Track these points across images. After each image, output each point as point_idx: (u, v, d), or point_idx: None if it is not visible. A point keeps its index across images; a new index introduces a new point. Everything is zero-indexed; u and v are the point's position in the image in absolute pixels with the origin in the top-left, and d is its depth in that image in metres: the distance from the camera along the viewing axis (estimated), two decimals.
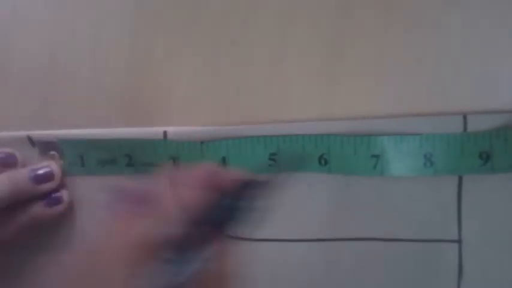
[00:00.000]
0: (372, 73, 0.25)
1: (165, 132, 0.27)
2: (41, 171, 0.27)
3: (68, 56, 0.29)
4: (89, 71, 0.28)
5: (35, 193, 0.27)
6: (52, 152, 0.28)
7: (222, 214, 0.21)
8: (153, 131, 0.27)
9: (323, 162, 0.25)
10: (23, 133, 0.28)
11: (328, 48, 0.26)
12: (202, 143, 0.26)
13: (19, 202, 0.27)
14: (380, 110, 0.25)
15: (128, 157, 0.27)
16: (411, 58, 0.25)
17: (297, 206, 0.27)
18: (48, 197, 0.27)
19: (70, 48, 0.29)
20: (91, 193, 0.28)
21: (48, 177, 0.27)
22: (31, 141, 0.28)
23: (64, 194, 0.28)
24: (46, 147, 0.28)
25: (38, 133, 0.28)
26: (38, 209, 0.27)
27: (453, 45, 0.25)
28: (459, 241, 0.25)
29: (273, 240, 0.27)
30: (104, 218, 0.21)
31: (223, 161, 0.26)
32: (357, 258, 0.26)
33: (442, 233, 0.25)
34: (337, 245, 0.26)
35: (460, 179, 0.24)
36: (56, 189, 0.28)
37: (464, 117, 0.24)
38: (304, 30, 0.26)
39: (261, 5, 0.26)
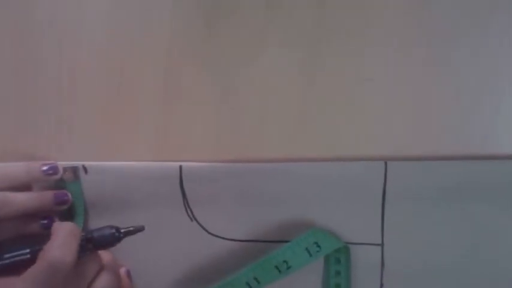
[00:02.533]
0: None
1: (180, 167, 0.37)
2: (65, 197, 0.36)
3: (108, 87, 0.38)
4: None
5: (50, 210, 0.36)
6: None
7: None
8: (169, 165, 0.37)
9: None
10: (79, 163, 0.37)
11: None
12: None
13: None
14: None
15: None
16: (340, 104, 0.36)
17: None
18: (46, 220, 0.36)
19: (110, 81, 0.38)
20: None
21: (66, 202, 0.37)
22: (85, 169, 0.37)
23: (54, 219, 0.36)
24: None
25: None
26: (36, 227, 0.35)
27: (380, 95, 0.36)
28: (382, 244, 0.37)
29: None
30: None
31: None
32: None
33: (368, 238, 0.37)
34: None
35: (383, 201, 0.36)
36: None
37: (385, 164, 0.36)
38: None
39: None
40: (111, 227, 0.33)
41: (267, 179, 0.36)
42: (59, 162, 0.36)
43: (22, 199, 0.34)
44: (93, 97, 0.38)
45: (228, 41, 0.36)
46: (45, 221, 0.36)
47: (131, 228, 0.33)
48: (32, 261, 0.29)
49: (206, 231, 0.38)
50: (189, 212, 0.38)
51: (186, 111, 0.37)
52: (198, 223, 0.38)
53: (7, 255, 0.31)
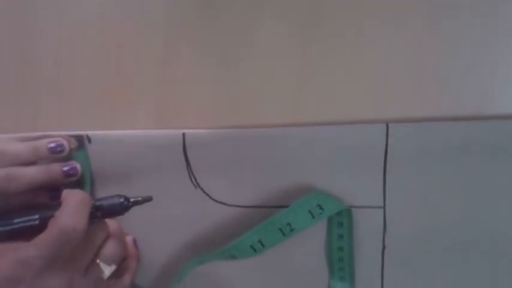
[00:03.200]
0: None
1: (183, 134, 0.37)
2: (71, 170, 0.36)
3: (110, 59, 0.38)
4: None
5: (61, 183, 0.37)
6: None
7: None
8: (172, 133, 0.37)
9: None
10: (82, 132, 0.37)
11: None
12: None
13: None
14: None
15: None
16: (339, 68, 0.36)
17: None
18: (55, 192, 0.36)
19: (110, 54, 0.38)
20: None
21: (75, 173, 0.37)
22: (88, 139, 0.37)
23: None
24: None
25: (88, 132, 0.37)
26: (44, 198, 0.36)
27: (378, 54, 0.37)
28: (384, 207, 0.37)
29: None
30: None
31: None
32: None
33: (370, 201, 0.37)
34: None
35: (385, 163, 0.36)
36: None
37: (387, 125, 0.36)
38: None
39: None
40: (120, 196, 0.34)
41: (270, 144, 0.36)
42: (62, 132, 0.37)
43: (31, 173, 0.35)
44: (93, 67, 0.38)
45: (226, 9, 0.37)
46: (53, 193, 0.36)
47: (139, 198, 0.34)
48: (41, 227, 0.30)
49: (210, 198, 0.38)
50: (192, 179, 0.38)
51: (186, 80, 0.37)
52: (202, 190, 0.38)
53: (16, 220, 0.31)
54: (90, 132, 0.37)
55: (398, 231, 0.37)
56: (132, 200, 0.34)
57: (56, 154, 0.36)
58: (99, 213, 0.33)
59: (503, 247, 0.37)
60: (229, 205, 0.38)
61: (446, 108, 0.35)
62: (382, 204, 0.37)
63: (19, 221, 0.31)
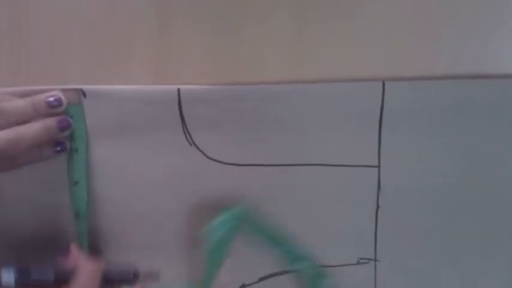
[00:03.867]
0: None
1: (178, 90, 0.37)
2: (65, 122, 0.36)
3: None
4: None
5: (57, 138, 0.36)
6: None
7: None
8: (167, 88, 0.37)
9: None
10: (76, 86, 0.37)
11: None
12: None
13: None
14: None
15: None
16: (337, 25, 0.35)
17: None
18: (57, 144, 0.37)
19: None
20: None
21: (68, 127, 0.37)
22: (83, 93, 0.37)
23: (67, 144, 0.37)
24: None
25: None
26: (49, 153, 0.37)
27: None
28: (378, 166, 0.37)
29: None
30: None
31: None
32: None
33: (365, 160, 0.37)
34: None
35: (381, 122, 0.36)
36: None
37: (383, 83, 0.36)
38: None
39: None
40: (129, 270, 0.36)
41: (265, 102, 0.36)
42: (57, 86, 0.36)
43: (34, 131, 0.35)
44: (88, 21, 0.37)
45: None
46: (58, 148, 0.37)
47: (148, 274, 0.37)
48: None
49: (205, 155, 0.38)
50: (188, 136, 0.38)
51: (183, 34, 0.37)
52: (197, 148, 0.38)
53: (33, 277, 0.34)
54: (84, 87, 0.37)
55: (392, 190, 0.37)
56: (141, 276, 0.36)
57: (54, 109, 0.36)
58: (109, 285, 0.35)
59: (497, 208, 0.37)
60: (224, 163, 0.38)
61: (443, 67, 0.35)
62: (377, 164, 0.37)
63: (36, 278, 0.34)
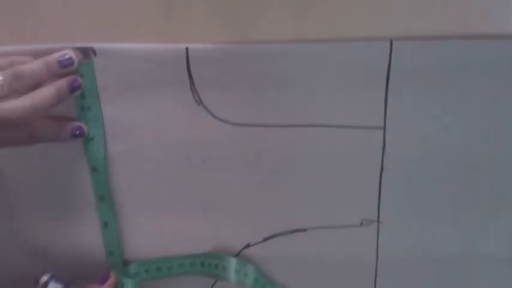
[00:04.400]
0: None
1: (187, 49, 0.37)
2: (75, 82, 0.37)
3: None
4: None
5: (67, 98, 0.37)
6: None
7: None
8: (176, 47, 0.37)
9: None
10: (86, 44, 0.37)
11: None
12: None
13: None
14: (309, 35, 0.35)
15: None
16: None
17: None
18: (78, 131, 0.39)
19: None
20: None
21: (79, 87, 0.37)
22: (93, 52, 0.37)
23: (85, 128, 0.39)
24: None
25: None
26: (67, 134, 0.38)
27: None
28: (384, 128, 0.37)
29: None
30: None
31: None
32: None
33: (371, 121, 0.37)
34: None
35: (387, 82, 0.36)
36: None
37: (391, 43, 0.36)
38: None
39: None
40: None
41: (272, 61, 0.36)
42: (67, 45, 0.37)
43: (46, 98, 0.35)
44: None
45: None
46: (78, 132, 0.38)
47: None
48: None
49: (212, 115, 0.39)
50: (195, 95, 0.38)
51: None
52: (205, 107, 0.39)
53: None
54: (95, 45, 0.37)
55: (397, 152, 0.38)
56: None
57: (66, 68, 0.37)
58: None
59: (502, 170, 0.37)
60: (232, 123, 0.39)
61: (451, 26, 0.35)
62: (383, 125, 0.37)
63: None
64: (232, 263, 0.41)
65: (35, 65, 0.36)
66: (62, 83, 0.37)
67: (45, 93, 0.35)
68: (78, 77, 0.37)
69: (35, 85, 0.36)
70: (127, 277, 0.41)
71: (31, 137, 0.37)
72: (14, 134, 0.36)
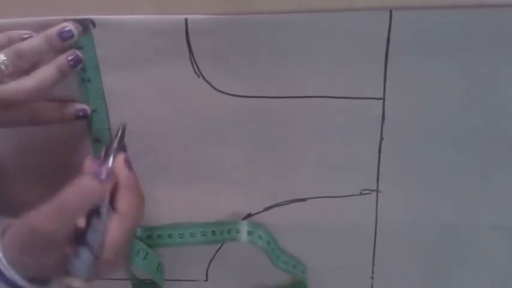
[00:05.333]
0: None
1: (186, 20, 0.37)
2: (76, 57, 0.37)
3: None
4: None
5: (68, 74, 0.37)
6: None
7: None
8: (175, 18, 0.37)
9: None
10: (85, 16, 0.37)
11: None
12: None
13: None
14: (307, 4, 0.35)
15: None
16: None
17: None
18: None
19: None
20: None
21: (80, 61, 0.37)
22: (93, 23, 0.37)
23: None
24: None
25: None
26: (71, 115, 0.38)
27: None
28: (383, 98, 0.38)
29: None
30: None
31: None
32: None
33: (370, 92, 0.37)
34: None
35: (387, 53, 0.36)
36: None
37: (390, 12, 0.35)
38: None
39: None
40: None
41: (271, 32, 0.36)
42: (66, 17, 0.37)
43: (49, 77, 0.35)
44: None
45: None
46: (81, 113, 0.39)
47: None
48: None
49: (212, 87, 0.39)
50: (195, 67, 0.38)
51: None
52: (204, 79, 0.39)
53: None
54: (94, 17, 0.37)
55: (396, 122, 0.38)
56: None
57: (67, 41, 0.36)
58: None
59: (501, 139, 0.38)
60: (231, 95, 0.39)
61: None
62: (382, 96, 0.37)
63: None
64: (246, 225, 0.42)
65: (36, 41, 0.36)
66: (62, 60, 0.37)
67: (47, 71, 0.36)
68: (78, 52, 0.37)
69: (37, 61, 0.36)
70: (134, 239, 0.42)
71: (34, 118, 0.37)
72: (16, 114, 0.36)
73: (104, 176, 0.34)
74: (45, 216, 0.31)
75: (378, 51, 0.36)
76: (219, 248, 0.44)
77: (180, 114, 0.40)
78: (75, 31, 0.37)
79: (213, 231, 0.42)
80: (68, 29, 0.36)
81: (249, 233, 0.41)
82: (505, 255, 0.42)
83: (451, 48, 0.35)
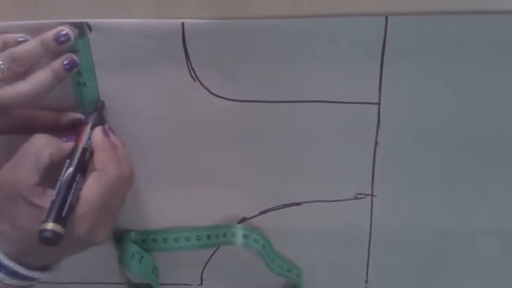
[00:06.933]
0: None
1: (182, 24, 0.37)
2: (72, 61, 0.37)
3: None
4: None
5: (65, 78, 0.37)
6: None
7: None
8: (171, 22, 0.37)
9: None
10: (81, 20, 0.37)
11: None
12: None
13: None
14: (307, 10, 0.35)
15: None
16: None
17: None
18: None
19: None
20: None
21: (76, 65, 0.37)
22: (89, 27, 0.37)
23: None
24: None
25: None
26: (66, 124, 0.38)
27: None
28: (379, 103, 0.38)
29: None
30: None
31: None
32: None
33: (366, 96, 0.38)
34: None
35: (382, 58, 0.36)
36: None
37: (386, 18, 0.36)
38: None
39: None
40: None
41: (268, 36, 0.36)
42: (61, 20, 0.37)
43: (44, 83, 0.35)
44: None
45: None
46: (76, 122, 0.38)
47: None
48: None
49: (209, 91, 0.39)
50: (192, 72, 0.38)
51: None
52: (201, 83, 0.39)
53: None
54: (90, 20, 0.37)
55: (391, 127, 0.38)
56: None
57: (63, 44, 0.36)
58: None
59: (495, 145, 0.38)
60: (228, 99, 0.39)
61: (446, 2, 0.35)
62: (377, 101, 0.38)
63: None
64: (241, 229, 0.42)
65: (32, 45, 0.36)
66: (58, 64, 0.36)
67: (43, 76, 0.35)
68: (73, 55, 0.37)
69: (33, 65, 0.36)
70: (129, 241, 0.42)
71: (28, 127, 0.37)
72: (10, 122, 0.36)
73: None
74: (5, 168, 0.32)
75: (373, 57, 0.36)
76: (214, 252, 0.44)
77: (177, 118, 0.40)
78: (71, 35, 0.36)
79: (208, 235, 0.42)
80: (64, 32, 0.36)
81: (245, 236, 0.42)
82: (500, 260, 0.42)
83: (446, 53, 0.35)
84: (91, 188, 0.33)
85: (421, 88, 0.37)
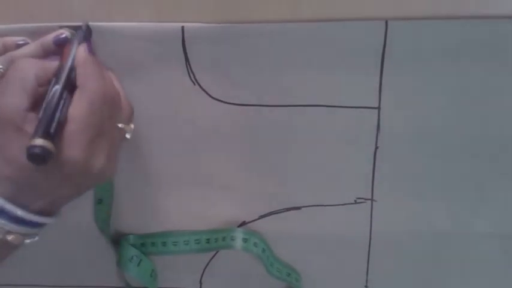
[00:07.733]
0: None
1: (182, 28, 0.37)
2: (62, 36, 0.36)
3: None
4: None
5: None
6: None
7: None
8: (171, 26, 0.37)
9: None
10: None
11: None
12: None
13: None
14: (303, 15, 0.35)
15: None
16: None
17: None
18: None
19: None
20: None
21: (65, 40, 0.36)
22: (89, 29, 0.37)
23: None
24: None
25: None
26: None
27: None
28: (379, 108, 0.38)
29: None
30: None
31: None
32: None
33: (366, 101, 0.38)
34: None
35: (382, 63, 0.37)
36: None
37: (386, 23, 0.36)
38: None
39: None
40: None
41: (268, 40, 0.36)
42: (62, 24, 0.37)
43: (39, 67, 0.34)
44: None
45: None
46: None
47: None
48: None
49: (208, 95, 0.39)
50: (191, 75, 0.38)
51: None
52: (201, 87, 0.39)
53: None
54: (90, 24, 0.37)
55: (391, 132, 0.38)
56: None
57: (62, 47, 0.36)
58: None
59: (495, 149, 0.38)
60: (227, 103, 0.39)
61: (446, 7, 0.35)
62: (377, 105, 0.38)
63: None
64: (240, 233, 0.42)
65: (32, 48, 0.35)
66: (47, 41, 0.36)
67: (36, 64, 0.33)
68: (63, 31, 0.36)
69: None
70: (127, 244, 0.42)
71: None
72: None
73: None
74: None
75: (373, 61, 0.36)
76: (213, 256, 0.44)
77: (176, 122, 0.40)
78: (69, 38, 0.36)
79: (208, 239, 0.42)
80: (64, 35, 0.36)
81: (244, 240, 0.41)
82: (499, 264, 0.42)
83: (446, 58, 0.35)
84: (75, 105, 0.31)
85: (421, 93, 0.37)
